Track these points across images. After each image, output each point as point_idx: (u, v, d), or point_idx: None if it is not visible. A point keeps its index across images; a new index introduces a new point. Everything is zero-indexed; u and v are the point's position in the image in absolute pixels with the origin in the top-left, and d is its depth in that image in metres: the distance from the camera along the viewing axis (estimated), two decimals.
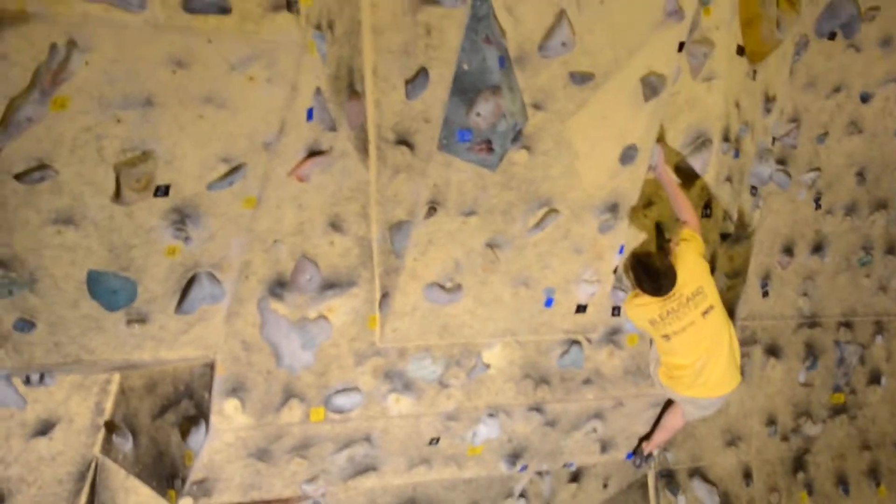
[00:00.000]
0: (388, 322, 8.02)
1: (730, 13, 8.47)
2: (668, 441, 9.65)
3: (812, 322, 11.26)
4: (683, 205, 8.39)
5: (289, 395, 7.87)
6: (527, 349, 8.66)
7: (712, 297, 8.26)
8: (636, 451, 9.62)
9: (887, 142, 10.80)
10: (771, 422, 11.30)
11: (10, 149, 6.24)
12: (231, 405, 7.69)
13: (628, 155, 8.18)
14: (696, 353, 8.43)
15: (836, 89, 10.19)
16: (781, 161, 10.27)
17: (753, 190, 9.79)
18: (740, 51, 8.78)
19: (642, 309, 8.28)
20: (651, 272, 8.12)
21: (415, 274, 7.89)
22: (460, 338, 8.33)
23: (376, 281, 7.98)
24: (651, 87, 7.98)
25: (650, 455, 9.60)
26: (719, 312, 8.36)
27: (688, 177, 8.79)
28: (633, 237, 8.63)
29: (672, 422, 9.40)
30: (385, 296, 7.97)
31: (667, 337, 8.32)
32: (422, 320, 8.09)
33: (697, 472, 10.98)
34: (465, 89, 7.39)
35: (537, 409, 8.84)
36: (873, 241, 11.24)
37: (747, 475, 11.27)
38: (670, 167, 8.58)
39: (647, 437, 9.59)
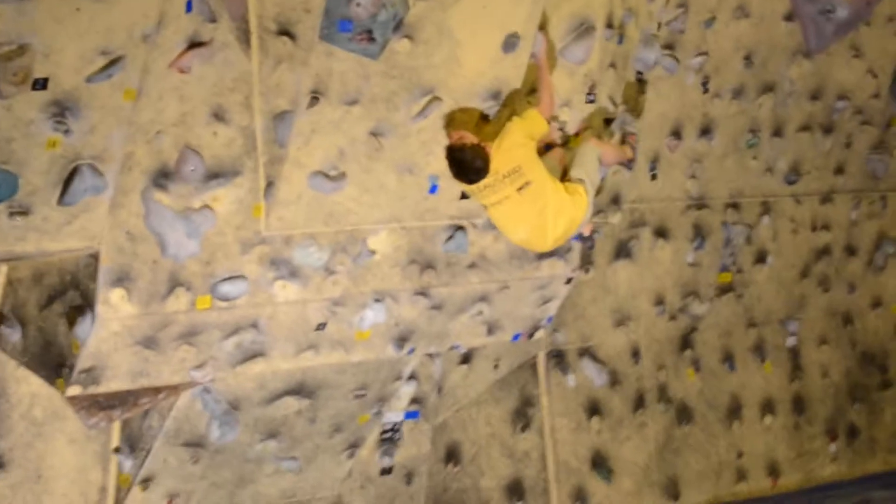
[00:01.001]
0: (273, 210, 8.07)
1: None
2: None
3: (700, 204, 11.48)
4: (545, 87, 8.41)
5: (174, 283, 7.93)
6: (412, 235, 8.75)
7: (532, 174, 8.19)
8: None
9: (774, 25, 10.97)
10: (659, 301, 11.56)
11: None
12: (117, 294, 7.74)
13: (510, 43, 8.21)
14: (516, 225, 8.40)
15: None
16: (669, 46, 10.39)
17: (639, 75, 9.90)
18: None
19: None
20: (462, 166, 8.08)
21: (299, 163, 7.93)
22: (346, 225, 8.39)
23: (260, 170, 8.02)
24: None
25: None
26: (538, 187, 8.24)
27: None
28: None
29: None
30: (269, 185, 8.02)
31: (485, 207, 8.36)
32: (307, 208, 8.15)
33: (587, 352, 11.25)
34: None
35: (423, 293, 8.96)
36: (760, 123, 11.46)
37: (636, 354, 11.55)
38: (550, 54, 8.62)
39: None
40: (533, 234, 8.33)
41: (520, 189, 8.13)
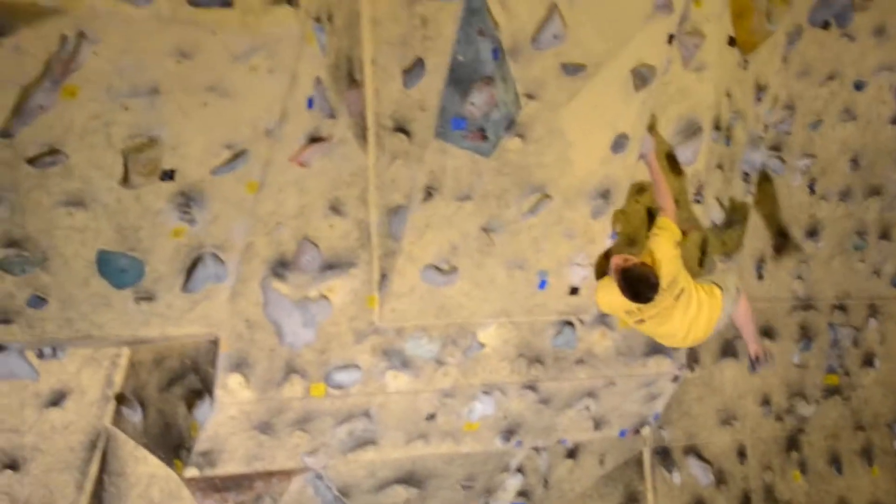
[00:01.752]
0: (387, 302, 8.27)
1: (721, 6, 8.67)
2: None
3: (806, 305, 11.49)
4: (664, 193, 8.60)
5: (290, 370, 8.14)
6: (521, 329, 8.89)
7: (683, 281, 8.47)
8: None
9: (881, 129, 11.00)
10: (765, 402, 11.53)
11: (22, 134, 6.52)
12: (235, 380, 7.96)
13: (619, 143, 8.41)
14: (673, 330, 8.67)
15: (830, 77, 10.40)
16: (776, 147, 10.50)
17: (746, 176, 10.02)
18: (731, 41, 8.98)
19: (617, 299, 8.50)
20: (640, 284, 8.30)
21: (412, 256, 8.15)
22: (456, 318, 8.56)
23: (375, 262, 8.21)
24: (641, 77, 8.22)
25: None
26: (690, 290, 8.56)
27: (675, 166, 9.02)
28: (625, 222, 8.87)
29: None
30: (383, 277, 8.22)
31: (641, 321, 8.58)
32: (419, 301, 8.34)
33: (692, 450, 11.22)
34: (460, 79, 7.64)
35: (531, 387, 9.08)
36: (867, 226, 11.45)
37: (741, 453, 11.49)
38: (660, 156, 8.79)
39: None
40: (687, 336, 8.72)
41: (677, 297, 8.45)
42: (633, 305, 8.43)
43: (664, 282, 8.35)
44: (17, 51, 6.21)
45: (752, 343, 9.24)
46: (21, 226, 6.88)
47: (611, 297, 8.59)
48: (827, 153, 10.84)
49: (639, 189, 8.83)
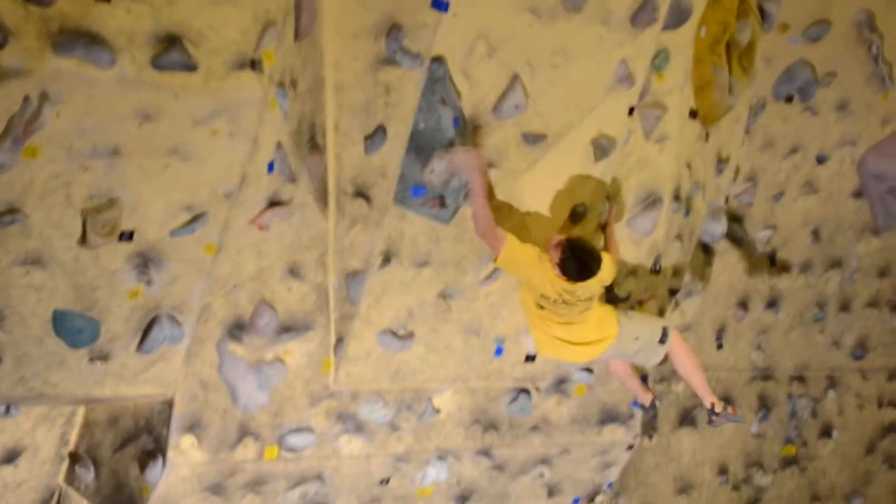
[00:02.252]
0: (342, 366, 8.29)
1: (682, 79, 8.73)
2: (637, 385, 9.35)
3: (765, 375, 11.56)
4: (614, 245, 8.70)
5: (244, 433, 8.13)
6: (476, 395, 8.92)
7: (591, 305, 8.36)
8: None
9: (842, 202, 11.11)
10: (722, 471, 11.58)
11: None
12: (188, 441, 7.95)
13: (578, 212, 8.48)
14: (552, 329, 8.43)
15: (793, 150, 10.52)
16: (738, 218, 10.58)
17: (705, 247, 10.08)
18: (693, 114, 9.04)
19: (547, 282, 8.07)
20: (583, 256, 7.96)
21: (369, 321, 8.17)
22: (412, 383, 8.58)
23: (332, 326, 8.24)
24: (601, 148, 8.30)
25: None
26: (600, 312, 8.47)
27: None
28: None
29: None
30: (340, 341, 8.25)
31: (540, 307, 8.26)
32: (375, 365, 8.36)
33: None
34: (421, 147, 7.71)
35: (485, 453, 9.11)
36: (827, 298, 11.55)
37: None
38: (618, 223, 8.85)
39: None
40: (580, 352, 8.51)
41: (581, 312, 8.29)
42: (553, 293, 8.10)
43: (586, 294, 8.20)
44: None
45: (704, 393, 8.91)
46: None
47: (542, 271, 8.08)
48: (788, 225, 10.93)
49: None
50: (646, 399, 9.10)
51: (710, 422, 8.94)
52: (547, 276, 8.02)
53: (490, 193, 8.06)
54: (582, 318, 8.34)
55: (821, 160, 10.76)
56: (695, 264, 10.02)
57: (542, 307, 8.23)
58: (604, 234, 8.72)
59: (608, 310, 8.51)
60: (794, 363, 11.74)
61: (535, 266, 8.01)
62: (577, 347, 8.40)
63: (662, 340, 8.68)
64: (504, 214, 8.20)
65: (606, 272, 8.18)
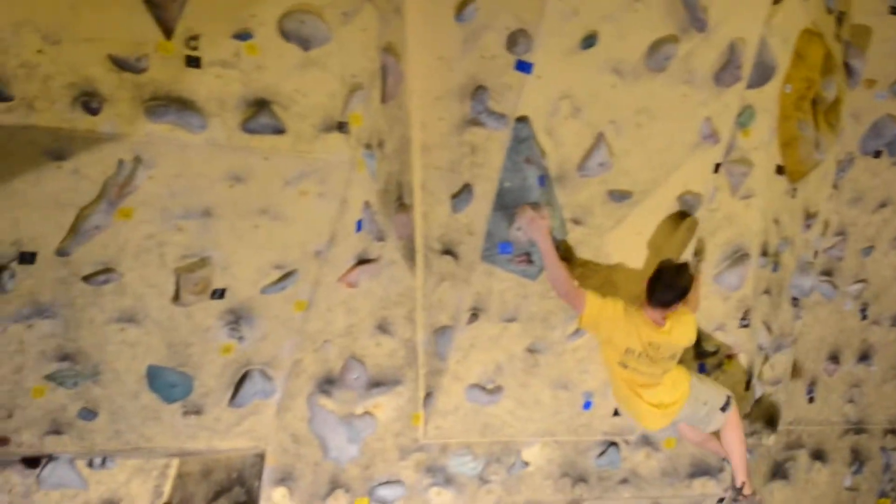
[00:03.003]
0: (432, 420, 8.40)
1: (768, 135, 8.77)
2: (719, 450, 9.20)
3: (858, 428, 11.46)
4: (695, 306, 8.72)
5: (334, 485, 8.26)
6: (565, 448, 8.97)
7: (673, 364, 8.40)
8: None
9: None
10: None
11: (78, 253, 6.75)
12: (279, 493, 8.10)
13: None
14: (640, 390, 8.41)
15: (882, 204, 10.46)
16: (827, 272, 10.54)
17: (795, 301, 10.06)
18: (779, 170, 9.07)
19: (633, 330, 8.11)
20: (668, 277, 8.03)
21: (457, 375, 8.28)
22: (501, 436, 8.66)
23: (420, 381, 8.36)
24: (687, 205, 8.36)
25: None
26: (674, 373, 8.45)
27: None
28: None
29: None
30: (429, 395, 8.36)
31: (624, 366, 8.25)
32: (464, 419, 8.46)
33: None
34: (507, 205, 7.82)
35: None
36: None
37: None
38: (704, 280, 8.89)
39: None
40: (657, 416, 8.49)
41: (664, 373, 8.33)
42: (639, 346, 8.10)
43: (671, 349, 8.24)
44: (75, 174, 6.45)
45: (740, 470, 8.87)
46: (74, 340, 7.09)
47: (629, 323, 8.12)
48: (879, 279, 10.87)
49: None
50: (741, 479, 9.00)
51: (734, 500, 8.92)
52: (634, 327, 8.06)
53: (570, 253, 8.14)
54: (662, 379, 8.37)
55: None
56: (784, 319, 10.00)
57: (625, 366, 8.23)
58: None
59: (681, 371, 8.53)
60: (888, 416, 11.64)
61: (621, 319, 8.06)
62: (654, 410, 8.41)
63: (724, 408, 8.70)
64: (591, 271, 8.27)
65: (689, 329, 8.24)
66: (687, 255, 8.59)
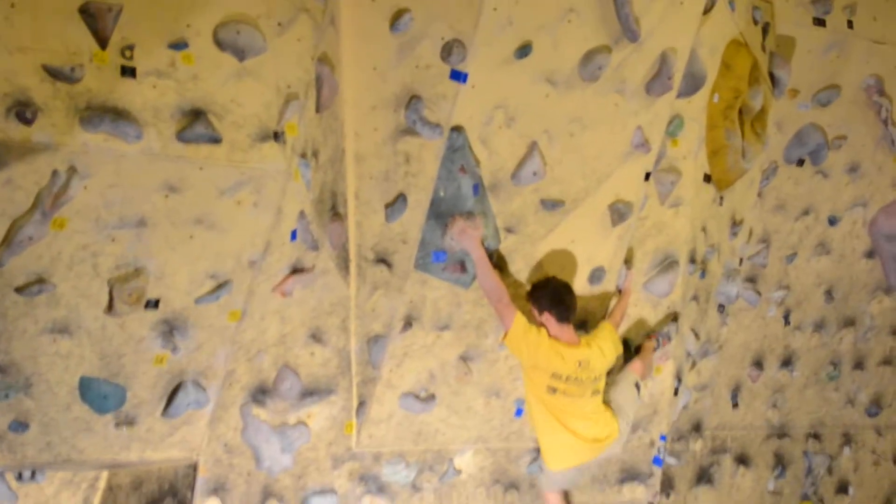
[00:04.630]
0: (365, 428, 8.39)
1: (696, 144, 8.87)
2: None
3: (781, 433, 11.61)
4: (622, 313, 8.85)
5: (267, 495, 8.22)
6: (497, 456, 9.00)
7: (601, 386, 8.43)
8: None
9: (854, 262, 11.21)
10: None
11: (11, 264, 6.65)
12: None
13: (596, 276, 8.61)
14: (566, 420, 8.34)
15: (805, 212, 10.64)
16: (751, 279, 10.69)
17: (721, 308, 10.18)
18: (707, 178, 9.17)
19: (558, 357, 8.09)
20: (561, 293, 8.16)
21: (390, 384, 8.28)
22: (433, 444, 8.68)
23: (354, 390, 8.35)
24: (618, 213, 8.43)
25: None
26: (600, 399, 8.47)
27: None
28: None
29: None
30: (362, 404, 8.35)
31: (553, 390, 8.18)
32: (397, 427, 8.46)
33: None
34: (442, 214, 7.85)
35: None
36: (841, 356, 11.63)
37: None
38: (634, 289, 8.97)
39: None
40: (583, 449, 8.49)
41: (593, 394, 8.35)
42: (566, 371, 8.10)
43: (599, 368, 8.28)
44: (9, 184, 6.36)
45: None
46: (6, 352, 6.98)
47: (552, 349, 8.10)
48: (801, 285, 11.04)
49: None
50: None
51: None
52: (557, 351, 8.10)
53: (503, 262, 8.18)
54: (592, 406, 8.40)
55: (833, 222, 10.88)
56: (711, 325, 10.11)
57: (553, 391, 8.18)
58: (618, 298, 8.83)
59: (606, 409, 8.60)
60: (810, 420, 11.81)
61: (545, 344, 8.09)
62: (581, 443, 8.43)
63: (638, 387, 8.92)
64: (522, 279, 8.31)
65: (612, 341, 8.34)
66: (618, 262, 8.67)
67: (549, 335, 8.12)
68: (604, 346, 8.32)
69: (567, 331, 8.19)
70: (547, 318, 8.14)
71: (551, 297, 8.16)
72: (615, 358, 8.47)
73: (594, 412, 8.39)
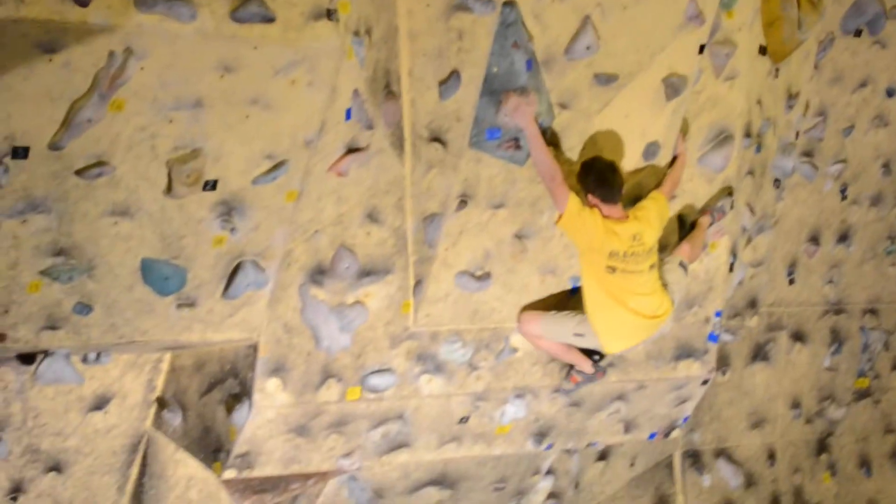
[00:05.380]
0: (422, 308, 8.44)
1: (751, 16, 8.78)
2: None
3: (837, 309, 11.62)
4: (674, 183, 8.83)
5: (327, 375, 8.30)
6: None
7: (656, 259, 8.46)
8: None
9: None
10: (796, 405, 11.68)
11: (71, 147, 6.70)
12: (273, 384, 8.13)
13: (650, 151, 8.57)
14: (629, 297, 8.37)
15: (863, 84, 10.54)
16: (808, 153, 10.62)
17: (777, 182, 10.12)
18: (762, 51, 9.10)
19: (613, 235, 8.13)
20: (607, 174, 8.15)
21: (446, 263, 8.31)
22: (490, 323, 8.72)
23: (410, 269, 8.40)
24: (673, 87, 8.37)
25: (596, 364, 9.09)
26: (657, 274, 8.50)
27: None
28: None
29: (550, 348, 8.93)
30: (418, 283, 8.40)
31: (612, 269, 8.21)
32: (453, 306, 8.51)
33: (723, 453, 11.39)
34: (495, 90, 7.81)
35: (562, 391, 9.23)
36: None
37: (771, 456, 11.66)
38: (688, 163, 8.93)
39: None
40: (641, 327, 8.55)
41: (651, 268, 8.39)
42: (623, 248, 8.13)
43: (649, 240, 8.28)
44: (67, 67, 6.38)
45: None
46: (68, 235, 7.06)
47: (609, 229, 8.14)
48: (859, 159, 10.96)
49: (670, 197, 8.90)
50: (587, 367, 9.02)
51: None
52: (611, 230, 8.11)
53: (557, 139, 8.16)
54: (651, 281, 8.42)
55: (891, 93, 10.77)
56: (766, 200, 10.07)
57: (613, 270, 8.18)
58: (671, 168, 8.78)
59: (661, 285, 8.61)
60: (867, 296, 11.79)
61: (599, 225, 8.10)
62: (640, 320, 8.46)
63: (684, 266, 8.91)
64: (577, 154, 8.29)
65: (657, 210, 8.38)
66: (673, 136, 8.63)
67: (602, 215, 8.10)
68: (651, 216, 8.34)
69: (616, 209, 8.19)
70: (594, 199, 8.14)
71: (597, 178, 8.15)
72: (662, 227, 8.46)
73: (653, 288, 8.41)
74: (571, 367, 8.93)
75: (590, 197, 8.15)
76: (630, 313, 8.37)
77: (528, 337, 8.81)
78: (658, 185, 8.70)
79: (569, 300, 8.74)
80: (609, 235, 8.10)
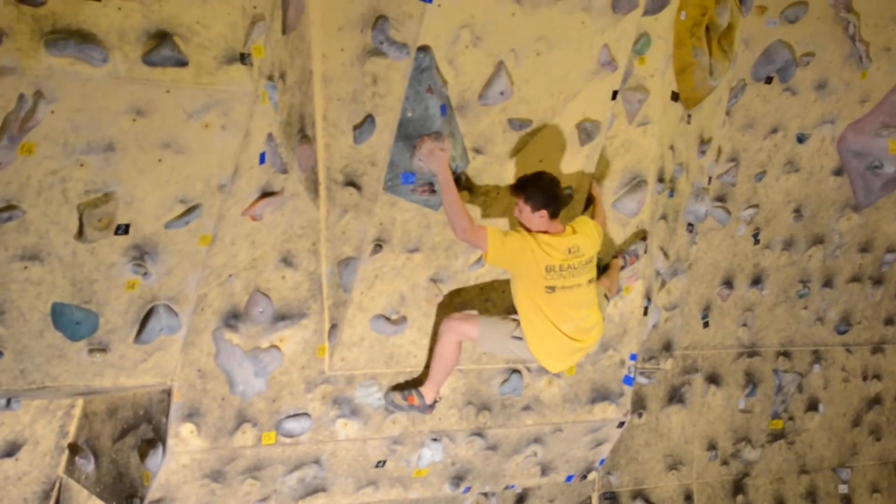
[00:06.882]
0: (337, 352, 8.43)
1: (664, 62, 8.87)
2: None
3: (751, 352, 11.73)
4: (602, 220, 8.84)
5: (242, 419, 8.26)
6: (469, 377, 9.04)
7: (594, 272, 8.39)
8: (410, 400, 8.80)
9: (823, 180, 11.28)
10: (711, 446, 11.76)
11: None
12: (187, 429, 8.07)
13: (565, 196, 8.60)
14: (569, 316, 8.29)
15: (774, 130, 10.70)
16: (721, 198, 10.75)
17: (690, 227, 10.22)
18: (675, 97, 9.19)
19: (549, 248, 8.00)
20: (553, 188, 8.04)
21: (362, 306, 8.31)
22: (405, 366, 8.72)
23: (325, 313, 8.38)
24: (586, 132, 8.43)
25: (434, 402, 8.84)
26: (595, 287, 8.43)
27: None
28: None
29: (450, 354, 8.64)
30: (334, 327, 8.39)
31: (551, 289, 8.10)
32: (369, 350, 8.51)
33: (640, 495, 11.43)
34: (410, 135, 7.83)
35: (479, 433, 9.22)
36: (810, 274, 11.72)
37: (688, 498, 11.73)
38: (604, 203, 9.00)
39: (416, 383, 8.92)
40: (583, 328, 8.44)
41: (589, 282, 8.30)
42: (559, 261, 8.03)
43: (588, 252, 8.21)
44: None
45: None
46: None
47: (541, 244, 8.02)
48: (771, 204, 11.11)
49: None
50: (430, 398, 8.77)
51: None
52: (542, 246, 8.01)
53: (472, 183, 8.19)
54: (590, 296, 8.35)
55: (801, 139, 10.94)
56: (680, 244, 10.17)
57: (552, 289, 8.10)
58: (592, 208, 8.84)
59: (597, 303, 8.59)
60: (780, 339, 11.92)
61: (528, 245, 8.01)
62: (580, 345, 8.45)
63: (607, 298, 9.00)
64: (491, 199, 8.34)
65: (592, 229, 8.34)
66: (586, 183, 8.69)
67: (532, 231, 8.06)
68: (588, 229, 8.29)
69: (556, 223, 8.13)
70: (542, 214, 8.02)
71: (546, 194, 8.02)
72: (600, 241, 8.40)
73: (591, 301, 8.36)
74: (414, 387, 8.81)
75: (538, 212, 8.00)
76: (565, 338, 8.34)
77: (455, 333, 8.50)
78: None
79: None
80: (541, 251, 8.00)
